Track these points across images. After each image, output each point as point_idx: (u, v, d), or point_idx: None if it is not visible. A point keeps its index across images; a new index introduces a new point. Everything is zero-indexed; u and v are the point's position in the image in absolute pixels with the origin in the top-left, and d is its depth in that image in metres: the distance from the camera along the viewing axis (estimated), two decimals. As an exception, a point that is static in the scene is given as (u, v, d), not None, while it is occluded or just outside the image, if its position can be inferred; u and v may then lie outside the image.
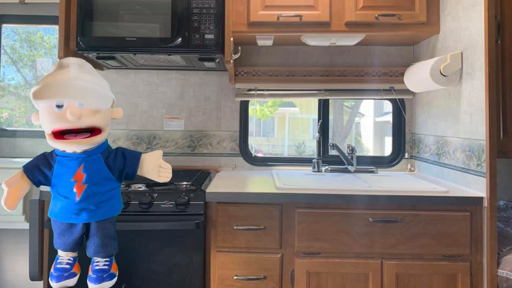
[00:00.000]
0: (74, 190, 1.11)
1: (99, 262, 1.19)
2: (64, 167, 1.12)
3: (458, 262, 1.52)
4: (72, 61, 1.16)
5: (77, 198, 1.11)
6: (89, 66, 1.20)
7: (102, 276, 1.17)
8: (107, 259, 1.20)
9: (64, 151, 1.12)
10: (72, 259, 1.19)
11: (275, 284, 1.54)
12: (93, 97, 1.11)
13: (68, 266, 1.17)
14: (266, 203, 1.55)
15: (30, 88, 2.53)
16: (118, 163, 1.19)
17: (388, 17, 1.79)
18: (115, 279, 1.21)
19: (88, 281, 1.19)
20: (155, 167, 1.21)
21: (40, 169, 1.13)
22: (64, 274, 1.16)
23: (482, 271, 1.51)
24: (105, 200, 1.16)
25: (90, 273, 1.19)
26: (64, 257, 1.19)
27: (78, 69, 1.13)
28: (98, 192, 1.14)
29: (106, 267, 1.19)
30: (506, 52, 1.55)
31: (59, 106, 1.07)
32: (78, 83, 1.09)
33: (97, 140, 1.12)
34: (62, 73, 1.10)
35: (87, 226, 1.17)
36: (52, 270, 1.18)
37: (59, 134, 1.09)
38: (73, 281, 1.18)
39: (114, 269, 1.23)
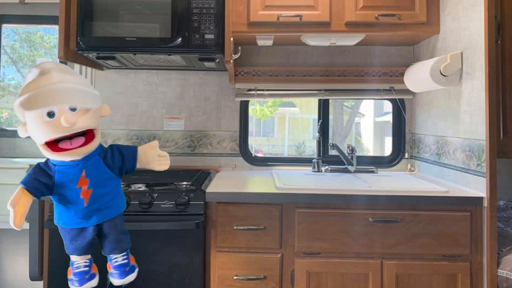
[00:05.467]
0: (81, 196, 1.10)
1: (117, 258, 1.20)
2: (66, 175, 1.10)
3: (458, 262, 1.52)
4: (50, 65, 1.11)
5: (85, 204, 1.11)
6: (67, 67, 1.17)
7: (125, 270, 1.19)
8: (124, 253, 1.22)
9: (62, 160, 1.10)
10: (88, 261, 1.20)
11: (275, 284, 1.54)
12: (83, 98, 1.09)
13: (87, 269, 1.18)
14: (266, 203, 1.55)
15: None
16: (117, 161, 1.19)
17: (388, 17, 1.79)
18: (137, 270, 1.23)
19: (111, 278, 1.20)
20: (154, 157, 1.23)
21: (41, 182, 1.09)
22: (85, 277, 1.16)
23: (482, 271, 1.51)
24: (111, 199, 1.17)
25: (111, 270, 1.20)
26: (80, 261, 1.18)
27: (60, 72, 1.09)
28: (104, 193, 1.14)
29: (125, 261, 1.21)
30: (506, 52, 1.55)
31: (50, 115, 1.03)
32: (65, 86, 1.06)
33: (94, 144, 1.12)
34: (45, 79, 1.05)
35: (98, 227, 1.17)
36: (71, 276, 1.18)
37: (53, 143, 1.06)
38: (95, 281, 1.19)
39: (133, 261, 1.24)
